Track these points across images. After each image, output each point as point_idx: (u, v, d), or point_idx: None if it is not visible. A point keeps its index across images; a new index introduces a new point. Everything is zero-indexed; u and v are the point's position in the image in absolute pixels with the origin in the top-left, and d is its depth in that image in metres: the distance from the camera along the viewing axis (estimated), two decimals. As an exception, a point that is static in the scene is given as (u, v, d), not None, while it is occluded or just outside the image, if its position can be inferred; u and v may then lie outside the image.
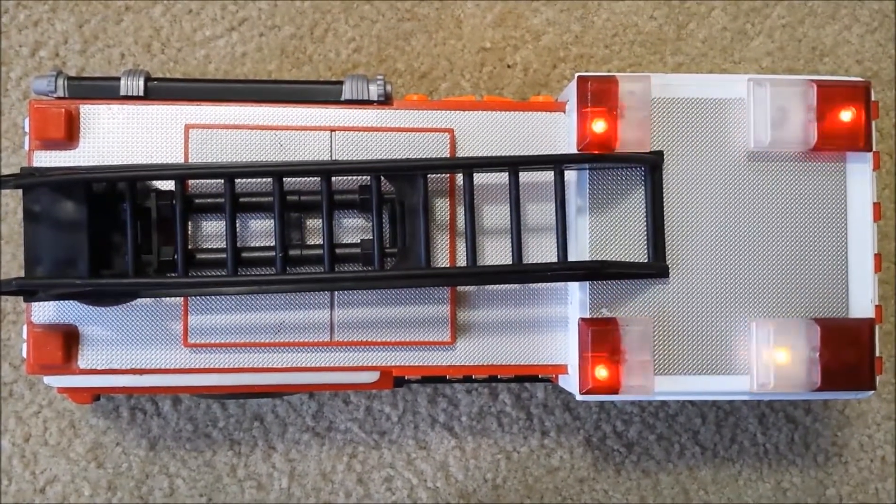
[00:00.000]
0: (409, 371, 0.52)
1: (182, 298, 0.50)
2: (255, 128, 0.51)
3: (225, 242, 0.49)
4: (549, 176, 0.50)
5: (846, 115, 0.51)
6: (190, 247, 0.51)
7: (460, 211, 0.52)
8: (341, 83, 0.52)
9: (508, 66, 0.65)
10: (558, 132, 0.53)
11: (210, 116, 0.51)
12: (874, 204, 0.51)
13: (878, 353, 0.50)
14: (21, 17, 0.63)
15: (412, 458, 0.63)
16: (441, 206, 0.52)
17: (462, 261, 0.52)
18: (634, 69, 0.66)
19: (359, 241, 0.51)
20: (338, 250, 0.50)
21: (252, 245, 0.51)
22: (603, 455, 0.64)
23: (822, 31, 0.67)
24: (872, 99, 0.51)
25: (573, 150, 0.51)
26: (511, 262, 0.50)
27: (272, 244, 0.50)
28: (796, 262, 0.51)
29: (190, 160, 0.51)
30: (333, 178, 0.50)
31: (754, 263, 0.51)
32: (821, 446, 0.65)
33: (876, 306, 0.51)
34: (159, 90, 0.52)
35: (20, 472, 0.61)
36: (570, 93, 0.51)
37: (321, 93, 0.52)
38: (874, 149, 0.51)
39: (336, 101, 0.52)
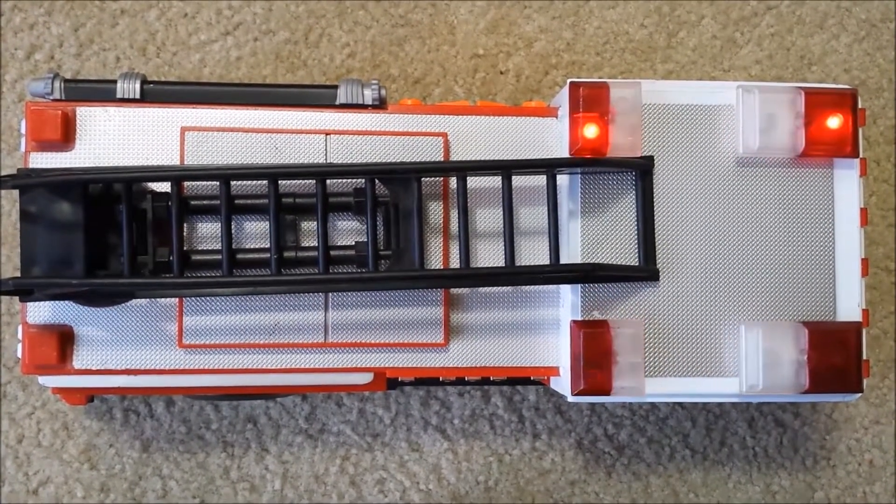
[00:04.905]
0: (403, 372, 0.53)
1: (177, 299, 0.51)
2: (251, 131, 0.52)
3: (220, 244, 0.49)
4: (541, 180, 0.51)
5: (833, 122, 0.51)
6: (185, 248, 0.51)
7: (454, 214, 0.52)
8: (336, 87, 0.53)
9: (501, 73, 0.66)
10: (550, 137, 0.53)
11: (206, 119, 0.52)
12: (861, 209, 0.52)
13: (864, 357, 0.51)
14: (17, 20, 0.64)
15: (405, 460, 0.63)
16: (435, 209, 0.52)
17: (455, 263, 0.52)
18: (625, 76, 0.66)
19: (353, 243, 0.52)
20: (332, 252, 0.51)
21: (247, 247, 0.52)
22: (594, 458, 0.64)
23: (811, 39, 0.68)
24: (859, 106, 0.52)
25: (565, 154, 0.51)
26: (504, 265, 0.50)
27: (267, 246, 0.50)
28: (785, 265, 0.52)
29: (186, 162, 0.51)
30: (328, 181, 0.50)
31: (743, 267, 0.51)
32: (809, 450, 0.65)
33: (863, 310, 0.52)
34: (155, 93, 0.52)
35: (13, 474, 0.61)
36: (563, 98, 0.52)
37: (316, 97, 0.53)
38: (861, 155, 0.52)
39: (331, 104, 0.53)
